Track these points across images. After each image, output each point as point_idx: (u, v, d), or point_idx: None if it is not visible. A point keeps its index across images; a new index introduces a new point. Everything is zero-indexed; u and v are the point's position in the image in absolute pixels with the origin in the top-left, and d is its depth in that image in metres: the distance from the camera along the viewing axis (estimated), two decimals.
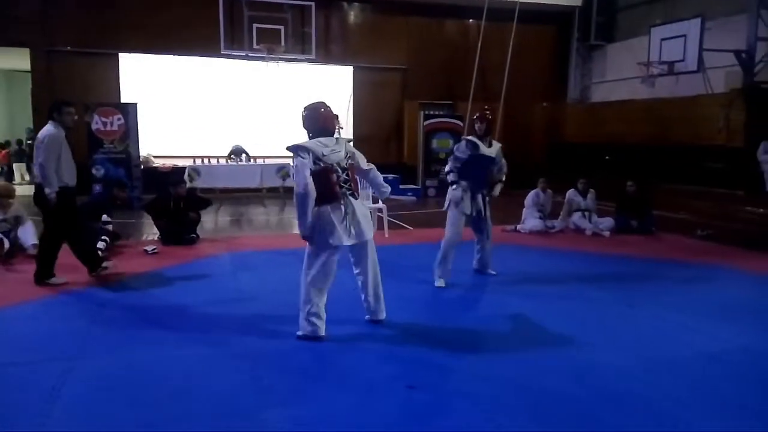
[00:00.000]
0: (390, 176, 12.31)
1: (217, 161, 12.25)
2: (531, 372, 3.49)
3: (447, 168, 5.58)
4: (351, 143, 4.60)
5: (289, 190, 12.04)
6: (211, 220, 9.52)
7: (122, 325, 4.29)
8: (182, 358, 3.69)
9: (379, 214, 8.24)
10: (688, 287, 5.54)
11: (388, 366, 3.59)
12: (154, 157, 13.25)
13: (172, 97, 14.75)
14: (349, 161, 4.06)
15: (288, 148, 3.88)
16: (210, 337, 4.05)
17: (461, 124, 13.73)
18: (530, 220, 8.39)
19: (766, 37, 10.63)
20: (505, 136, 14.64)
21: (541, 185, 8.58)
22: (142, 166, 11.99)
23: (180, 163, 12.47)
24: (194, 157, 12.18)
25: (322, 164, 3.85)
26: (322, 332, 3.98)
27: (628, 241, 7.87)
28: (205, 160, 12.14)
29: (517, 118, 14.94)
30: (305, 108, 4.15)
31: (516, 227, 8.43)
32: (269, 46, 12.49)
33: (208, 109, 14.97)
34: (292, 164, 4.35)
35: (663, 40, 11.36)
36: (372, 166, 4.34)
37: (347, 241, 3.98)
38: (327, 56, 14.02)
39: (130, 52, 13.36)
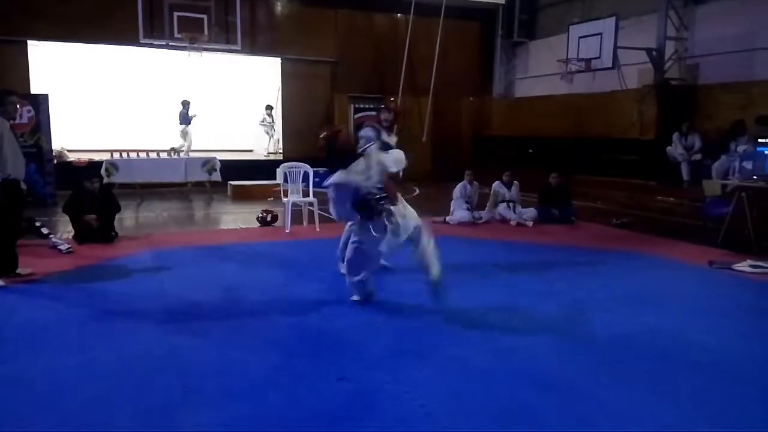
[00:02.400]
0: (321, 170, 12.12)
1: (137, 155, 11.68)
2: (456, 356, 3.55)
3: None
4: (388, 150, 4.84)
5: (216, 185, 11.74)
6: (131, 217, 9.08)
7: (33, 330, 3.99)
8: (101, 361, 3.47)
9: (310, 207, 8.14)
10: (606, 272, 5.79)
11: (316, 359, 3.52)
12: (69, 151, 12.51)
13: (88, 87, 14.05)
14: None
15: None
16: (131, 340, 3.84)
17: None
18: (458, 212, 8.53)
19: (674, 36, 11.29)
20: (434, 130, 14.92)
21: (468, 177, 8.74)
22: (56, 161, 11.28)
23: (97, 157, 11.82)
24: (112, 151, 11.57)
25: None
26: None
27: (551, 230, 8.16)
28: (124, 154, 11.55)
29: (445, 113, 15.18)
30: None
31: (445, 219, 8.55)
32: (191, 36, 12.02)
33: (126, 100, 14.37)
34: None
35: (581, 38, 11.83)
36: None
37: (397, 242, 4.30)
38: (253, 47, 13.68)
39: (40, 40, 12.52)
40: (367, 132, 4.87)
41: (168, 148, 12.41)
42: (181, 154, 12.61)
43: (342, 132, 4.20)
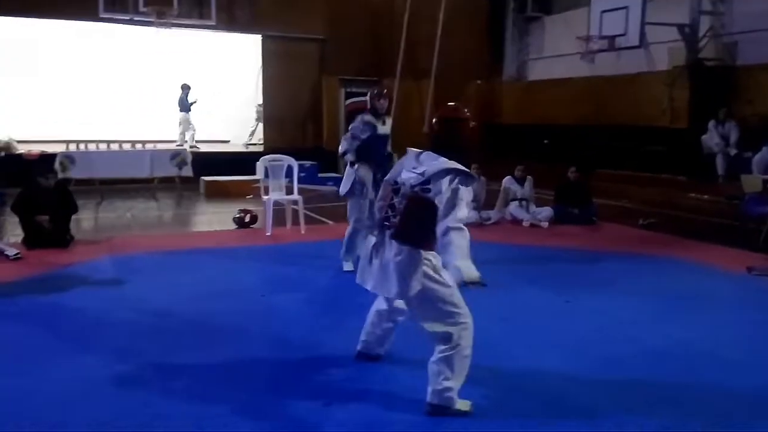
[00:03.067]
0: (307, 163, 12.19)
1: (96, 146, 11.65)
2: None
3: (342, 148, 5.85)
4: None
5: (185, 180, 11.71)
6: (89, 218, 9.07)
7: None
8: (52, 381, 3.47)
9: (294, 207, 8.14)
10: (631, 280, 5.80)
11: (297, 395, 3.53)
12: (18, 141, 12.47)
13: (40, 69, 14.00)
14: None
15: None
16: (86, 357, 3.84)
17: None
18: None
19: (709, 10, 11.32)
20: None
21: (474, 172, 8.71)
22: (3, 153, 11.26)
23: (50, 148, 11.79)
24: (68, 142, 11.53)
25: None
26: None
27: (568, 231, 8.18)
28: (81, 146, 11.52)
29: (449, 99, 15.08)
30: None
31: None
32: (159, 9, 11.99)
33: (84, 84, 14.32)
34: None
35: (603, 12, 11.85)
36: None
37: None
38: (230, 22, 13.66)
39: None
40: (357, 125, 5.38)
41: (134, 138, 12.36)
42: (186, 145, 12.86)
43: (471, 119, 3.43)
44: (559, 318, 4.71)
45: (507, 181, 8.84)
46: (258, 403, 3.29)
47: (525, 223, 8.54)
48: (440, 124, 3.36)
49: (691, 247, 7.26)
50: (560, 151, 12.88)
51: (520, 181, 8.80)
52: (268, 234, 7.74)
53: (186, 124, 13.87)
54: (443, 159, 3.14)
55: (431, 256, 3.17)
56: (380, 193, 3.42)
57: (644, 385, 3.56)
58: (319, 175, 12.67)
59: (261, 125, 14.94)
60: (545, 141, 14.00)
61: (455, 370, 3.11)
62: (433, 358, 3.15)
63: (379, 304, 3.68)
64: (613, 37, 11.74)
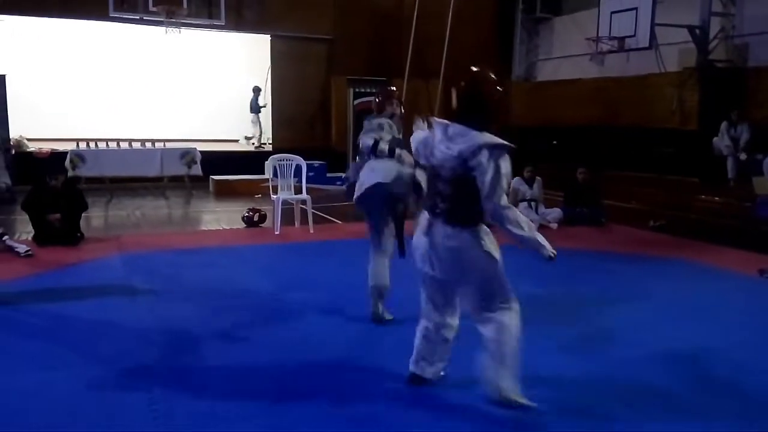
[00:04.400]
0: (316, 163, 12.20)
1: (106, 145, 11.68)
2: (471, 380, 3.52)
3: (370, 136, 4.54)
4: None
5: (195, 179, 11.73)
6: (99, 216, 9.09)
7: None
8: (57, 383, 3.46)
9: (303, 206, 8.13)
10: (641, 283, 5.76)
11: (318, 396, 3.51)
12: (29, 140, 12.52)
13: (50, 68, 14.07)
14: None
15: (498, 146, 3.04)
16: (98, 355, 3.84)
17: None
18: None
19: (720, 11, 11.24)
20: (446, 118, 14.85)
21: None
22: (14, 151, 11.30)
23: (60, 147, 11.83)
24: (78, 140, 11.57)
25: None
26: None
27: (578, 233, 8.13)
28: (92, 144, 11.56)
29: None
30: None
31: None
32: (168, 9, 11.98)
33: (94, 83, 14.38)
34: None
35: (613, 13, 11.78)
36: None
37: None
38: (239, 23, 13.65)
39: None
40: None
41: (143, 137, 12.38)
42: (255, 141, 13.37)
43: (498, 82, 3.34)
44: (568, 320, 4.67)
45: (516, 182, 8.78)
46: (268, 405, 3.27)
47: (534, 224, 8.48)
48: (467, 85, 3.24)
49: (701, 250, 7.21)
50: (569, 152, 12.81)
51: (529, 182, 8.75)
52: (277, 233, 7.73)
53: (256, 125, 14.64)
54: (474, 132, 3.03)
55: (487, 231, 3.14)
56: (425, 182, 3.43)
57: (656, 388, 3.52)
58: (328, 174, 12.67)
59: (258, 131, 14.98)
60: (554, 142, 13.93)
61: (507, 362, 3.08)
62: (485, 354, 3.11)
63: (426, 323, 3.40)
64: (622, 38, 11.66)
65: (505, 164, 2.99)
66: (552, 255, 3.00)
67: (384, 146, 4.36)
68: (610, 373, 3.71)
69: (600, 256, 6.96)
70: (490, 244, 3.11)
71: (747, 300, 5.42)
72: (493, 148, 2.98)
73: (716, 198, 10.00)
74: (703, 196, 10.22)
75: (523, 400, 3.10)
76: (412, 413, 3.17)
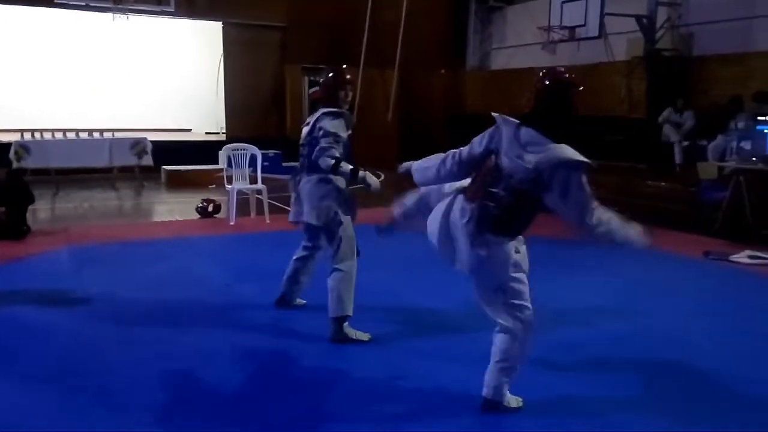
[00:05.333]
0: (271, 152, 12.05)
1: (52, 135, 11.32)
2: (417, 362, 3.59)
3: (331, 154, 3.87)
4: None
5: (146, 170, 11.47)
6: (45, 209, 8.81)
7: None
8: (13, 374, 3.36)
9: (258, 196, 8.04)
10: (591, 266, 5.88)
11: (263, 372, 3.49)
12: None
13: None
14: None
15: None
16: (44, 351, 3.73)
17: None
18: None
19: (667, 1, 11.51)
20: (401, 108, 14.92)
21: None
22: None
23: (4, 138, 11.42)
24: (23, 131, 11.18)
25: None
26: None
27: None
28: (37, 134, 11.18)
29: (413, 88, 15.16)
30: None
31: None
32: None
33: (39, 71, 13.94)
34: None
35: (564, 2, 11.95)
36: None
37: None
38: (190, 9, 13.37)
39: None
40: (338, 122, 3.97)
41: (91, 127, 12.02)
42: None
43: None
44: None
45: None
46: (226, 394, 3.24)
47: None
48: (549, 87, 2.89)
49: (649, 234, 7.39)
50: None
51: None
52: (232, 223, 7.64)
53: None
54: (551, 145, 2.77)
55: (518, 244, 2.98)
56: (474, 166, 3.01)
57: (602, 367, 3.63)
58: (283, 164, 12.53)
59: None
60: None
61: (511, 364, 2.97)
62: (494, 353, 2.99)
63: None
64: (573, 28, 11.84)
65: (586, 180, 2.81)
66: (645, 243, 2.99)
67: (347, 167, 3.84)
68: (560, 352, 3.80)
69: (551, 242, 7.07)
70: (521, 257, 3.00)
71: (693, 281, 5.62)
72: (575, 167, 2.78)
73: (663, 183, 10.28)
74: (650, 182, 10.50)
75: (514, 405, 3.04)
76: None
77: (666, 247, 6.70)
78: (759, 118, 7.19)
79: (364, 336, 3.94)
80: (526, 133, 2.82)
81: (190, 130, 15.46)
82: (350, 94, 4.18)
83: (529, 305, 3.00)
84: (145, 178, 11.52)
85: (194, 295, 4.86)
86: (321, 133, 3.90)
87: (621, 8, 11.39)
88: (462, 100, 16.02)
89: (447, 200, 3.03)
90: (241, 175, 8.01)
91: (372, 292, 4.38)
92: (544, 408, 3.12)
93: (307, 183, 4.01)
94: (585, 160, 2.79)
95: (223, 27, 14.10)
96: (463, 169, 3.04)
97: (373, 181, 3.93)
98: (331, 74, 4.10)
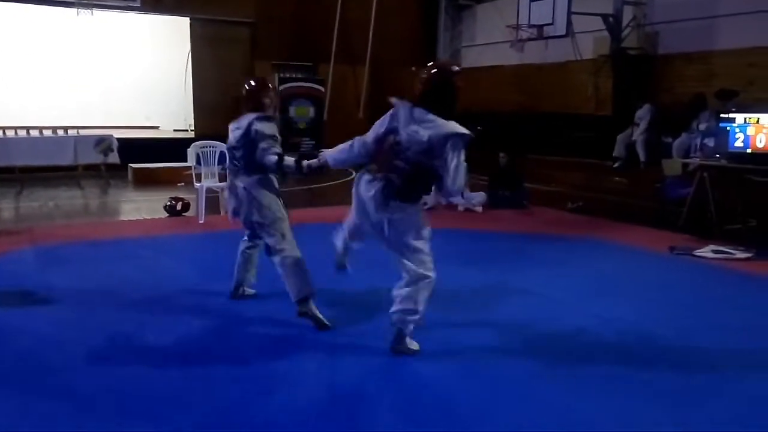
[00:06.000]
0: None
1: (15, 132, 11.04)
2: (392, 359, 3.61)
3: (274, 152, 4.09)
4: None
5: (112, 167, 11.27)
6: (8, 208, 8.61)
7: None
8: None
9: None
10: (560, 262, 5.97)
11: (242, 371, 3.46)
12: None
13: None
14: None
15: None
16: (8, 352, 3.64)
17: (322, 90, 13.66)
18: None
19: (632, 0, 11.70)
20: (372, 105, 14.90)
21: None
22: None
23: None
24: None
25: None
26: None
27: (501, 215, 8.34)
28: (0, 132, 10.90)
29: (384, 85, 15.14)
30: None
31: None
32: None
33: (1, 68, 13.58)
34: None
35: (532, 1, 12.06)
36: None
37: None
38: (156, 4, 13.16)
39: None
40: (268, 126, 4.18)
41: (55, 125, 11.76)
42: None
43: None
44: (492, 298, 4.80)
45: None
46: (192, 392, 3.21)
47: (460, 208, 8.63)
48: (437, 74, 3.54)
49: (616, 229, 7.54)
50: (493, 137, 13.08)
51: None
52: (201, 221, 7.56)
53: None
54: (441, 121, 3.36)
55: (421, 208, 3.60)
56: (377, 144, 3.59)
57: (573, 361, 3.67)
58: None
59: None
60: (478, 128, 14.10)
61: (414, 307, 3.50)
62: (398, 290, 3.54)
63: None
64: (541, 26, 11.97)
65: (462, 150, 3.40)
66: (482, 204, 3.53)
67: (290, 160, 4.04)
68: (531, 346, 3.86)
69: (521, 237, 7.17)
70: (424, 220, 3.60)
71: (659, 275, 5.72)
72: (459, 138, 3.35)
73: (628, 180, 10.47)
74: (616, 178, 10.68)
75: (414, 347, 3.63)
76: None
77: (633, 242, 6.84)
78: (722, 115, 7.35)
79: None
80: (419, 112, 3.43)
81: (157, 127, 15.23)
82: (274, 100, 4.50)
83: (431, 260, 3.53)
84: (112, 176, 11.29)
85: (162, 295, 4.79)
86: (258, 135, 4.13)
87: (588, 7, 11.56)
88: None
89: (356, 184, 3.61)
90: (210, 172, 7.91)
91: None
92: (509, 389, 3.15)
93: (247, 184, 4.21)
94: (468, 132, 3.39)
95: (190, 23, 13.91)
96: (366, 148, 3.65)
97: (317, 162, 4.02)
98: (254, 83, 4.48)
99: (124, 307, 4.52)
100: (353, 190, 3.63)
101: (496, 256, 6.14)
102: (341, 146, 3.81)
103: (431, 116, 3.38)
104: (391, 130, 3.50)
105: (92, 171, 11.34)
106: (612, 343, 3.97)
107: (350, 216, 3.84)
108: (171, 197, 8.25)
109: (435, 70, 3.57)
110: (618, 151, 10.80)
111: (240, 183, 4.25)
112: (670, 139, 9.62)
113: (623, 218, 8.13)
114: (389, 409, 3.15)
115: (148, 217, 8.14)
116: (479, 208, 8.62)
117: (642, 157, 10.50)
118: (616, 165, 10.84)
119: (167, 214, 8.06)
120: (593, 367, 3.60)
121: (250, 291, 4.77)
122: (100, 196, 10.12)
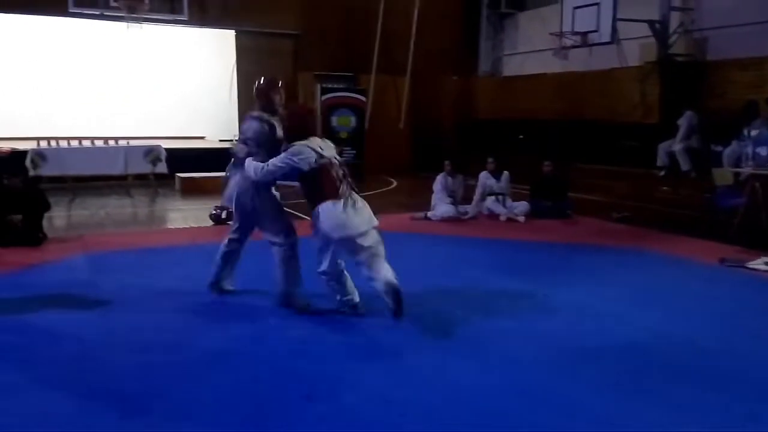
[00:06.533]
0: None
1: (68, 143, 11.43)
2: (439, 370, 3.59)
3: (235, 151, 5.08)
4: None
5: (160, 177, 11.55)
6: (61, 216, 8.89)
7: None
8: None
9: None
10: (606, 273, 5.86)
11: (283, 377, 3.50)
12: None
13: (10, 65, 13.69)
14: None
15: None
16: (60, 364, 3.76)
17: (364, 99, 13.74)
18: (441, 206, 8.55)
19: (679, 6, 11.46)
20: (413, 114, 14.94)
21: (447, 168, 8.77)
22: None
23: (21, 145, 11.53)
24: (39, 139, 11.30)
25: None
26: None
27: (544, 226, 8.24)
28: (53, 142, 11.29)
29: (425, 94, 15.19)
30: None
31: (426, 214, 8.57)
32: (130, 4, 11.79)
33: (55, 80, 14.05)
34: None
35: (576, 8, 11.92)
36: None
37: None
38: (203, 17, 13.48)
39: None
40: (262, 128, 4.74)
41: (107, 135, 12.11)
42: None
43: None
44: (537, 311, 4.73)
45: (483, 176, 8.86)
46: (244, 398, 3.25)
47: (502, 218, 8.58)
48: (289, 115, 4.73)
49: (664, 240, 7.36)
50: (536, 146, 12.96)
51: (497, 176, 8.82)
52: None
53: None
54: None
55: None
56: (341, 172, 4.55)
57: (620, 375, 3.59)
58: None
59: None
60: (520, 136, 14.07)
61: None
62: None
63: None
64: (585, 33, 11.80)
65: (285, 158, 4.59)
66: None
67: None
68: (577, 361, 3.77)
69: (566, 247, 7.06)
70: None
71: (708, 288, 5.55)
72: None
73: (676, 189, 10.21)
74: (664, 188, 10.44)
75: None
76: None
77: (681, 253, 6.67)
78: None
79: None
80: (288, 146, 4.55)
81: (203, 137, 15.54)
82: (282, 98, 4.90)
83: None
84: (160, 186, 11.59)
85: (209, 301, 4.89)
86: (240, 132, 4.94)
87: (633, 13, 11.36)
88: (473, 106, 16.00)
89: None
90: None
91: None
92: (560, 410, 3.10)
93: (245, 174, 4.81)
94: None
95: (235, 35, 14.20)
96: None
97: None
98: (261, 82, 4.88)
99: (172, 312, 4.63)
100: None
101: (540, 267, 6.07)
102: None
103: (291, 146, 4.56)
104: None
105: (141, 180, 11.65)
106: (665, 359, 3.86)
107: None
108: (216, 206, 8.40)
109: (290, 112, 4.74)
110: (661, 160, 10.55)
111: (241, 173, 4.75)
112: (720, 148, 9.35)
113: (671, 229, 7.93)
114: (439, 422, 3.13)
115: (195, 226, 8.31)
116: (522, 218, 8.53)
117: (683, 166, 10.19)
118: (662, 173, 10.59)
119: (213, 223, 8.21)
120: (647, 383, 3.50)
121: (229, 287, 5.03)
122: (149, 205, 10.38)
